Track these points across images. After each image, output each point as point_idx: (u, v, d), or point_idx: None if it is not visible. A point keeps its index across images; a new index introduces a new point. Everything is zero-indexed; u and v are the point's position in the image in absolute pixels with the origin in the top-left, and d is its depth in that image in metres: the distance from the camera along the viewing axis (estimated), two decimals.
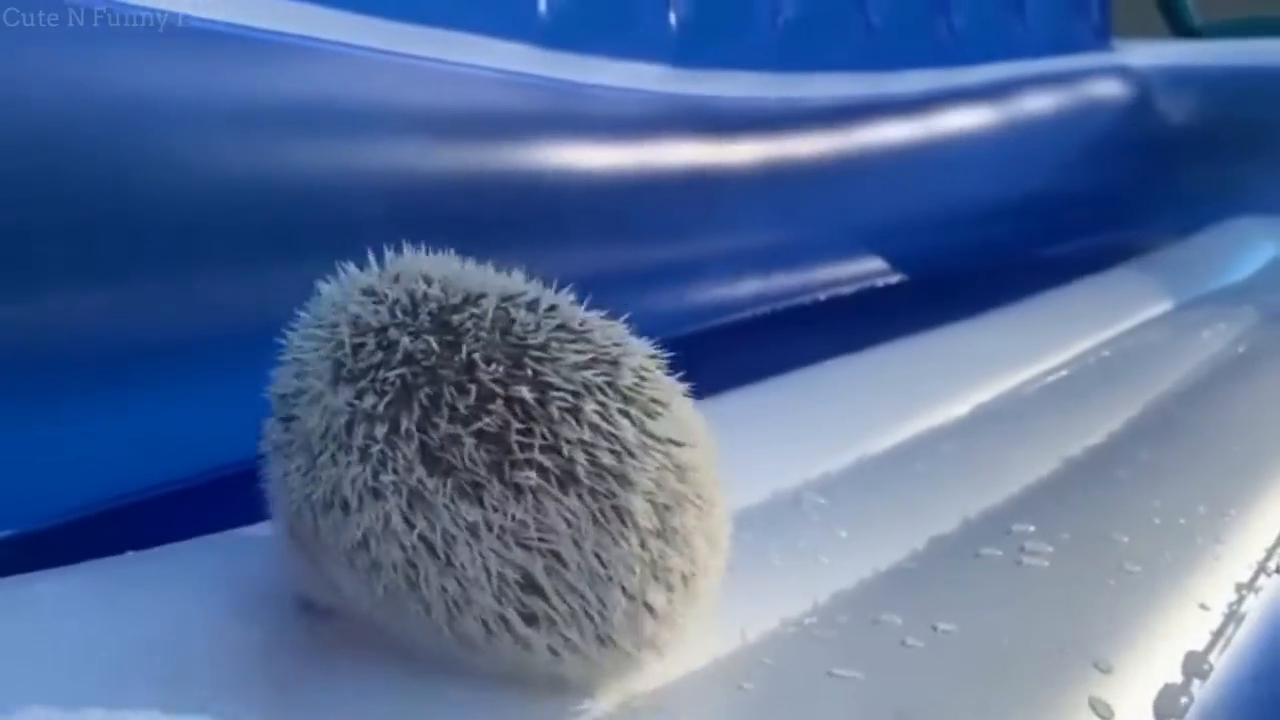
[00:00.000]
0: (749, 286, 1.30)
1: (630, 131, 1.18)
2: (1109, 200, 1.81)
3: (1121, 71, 1.98)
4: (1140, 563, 0.54)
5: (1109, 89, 1.95)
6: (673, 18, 1.25)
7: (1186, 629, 0.49)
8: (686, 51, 1.28)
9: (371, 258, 0.42)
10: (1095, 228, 1.76)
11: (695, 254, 1.26)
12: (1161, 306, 1.26)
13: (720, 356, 1.09)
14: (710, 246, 1.28)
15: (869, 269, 1.46)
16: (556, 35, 1.12)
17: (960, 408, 0.86)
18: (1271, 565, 0.59)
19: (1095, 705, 0.41)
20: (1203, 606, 0.52)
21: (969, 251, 1.51)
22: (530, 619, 0.36)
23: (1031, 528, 0.57)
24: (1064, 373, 0.99)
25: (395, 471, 0.35)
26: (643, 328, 0.42)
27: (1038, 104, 1.77)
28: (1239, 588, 0.54)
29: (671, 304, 1.21)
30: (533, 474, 0.35)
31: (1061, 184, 1.79)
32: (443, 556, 0.35)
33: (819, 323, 1.32)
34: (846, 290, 1.40)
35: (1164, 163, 1.88)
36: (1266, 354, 1.05)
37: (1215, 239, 1.55)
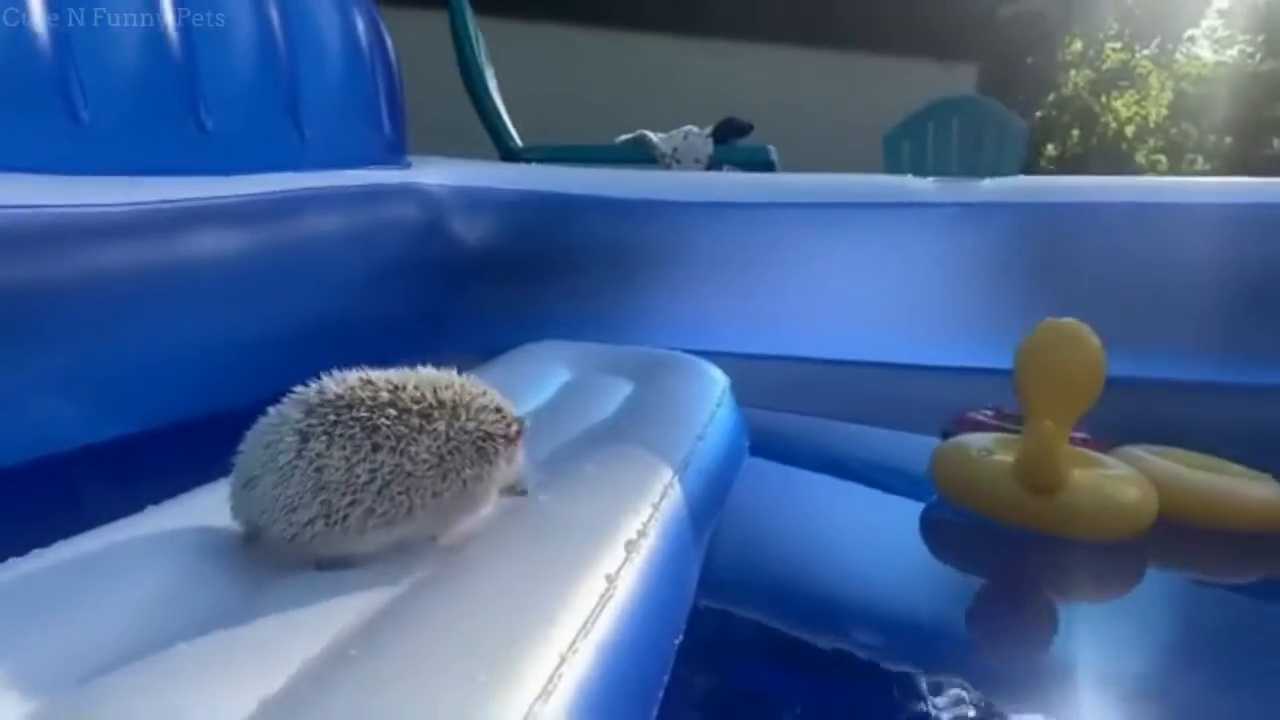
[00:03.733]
0: None
1: None
2: (405, 324, 1.64)
3: (414, 190, 1.86)
4: None
5: (399, 208, 1.81)
6: None
7: None
8: None
9: None
10: (393, 353, 1.57)
11: None
12: None
13: None
14: None
15: (100, 418, 1.13)
16: None
17: None
18: None
19: None
20: None
21: (238, 390, 1.23)
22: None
23: None
24: None
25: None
26: None
27: (314, 222, 1.55)
28: None
29: None
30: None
31: (348, 309, 1.59)
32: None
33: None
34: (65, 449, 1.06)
35: (460, 284, 1.78)
36: (546, 488, 0.92)
37: (512, 363, 1.44)
